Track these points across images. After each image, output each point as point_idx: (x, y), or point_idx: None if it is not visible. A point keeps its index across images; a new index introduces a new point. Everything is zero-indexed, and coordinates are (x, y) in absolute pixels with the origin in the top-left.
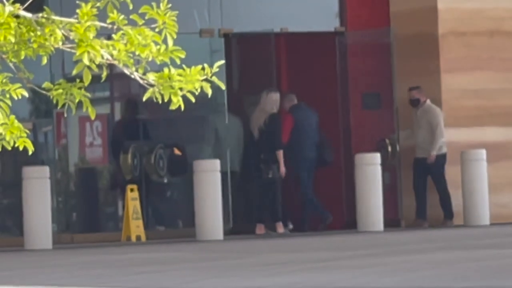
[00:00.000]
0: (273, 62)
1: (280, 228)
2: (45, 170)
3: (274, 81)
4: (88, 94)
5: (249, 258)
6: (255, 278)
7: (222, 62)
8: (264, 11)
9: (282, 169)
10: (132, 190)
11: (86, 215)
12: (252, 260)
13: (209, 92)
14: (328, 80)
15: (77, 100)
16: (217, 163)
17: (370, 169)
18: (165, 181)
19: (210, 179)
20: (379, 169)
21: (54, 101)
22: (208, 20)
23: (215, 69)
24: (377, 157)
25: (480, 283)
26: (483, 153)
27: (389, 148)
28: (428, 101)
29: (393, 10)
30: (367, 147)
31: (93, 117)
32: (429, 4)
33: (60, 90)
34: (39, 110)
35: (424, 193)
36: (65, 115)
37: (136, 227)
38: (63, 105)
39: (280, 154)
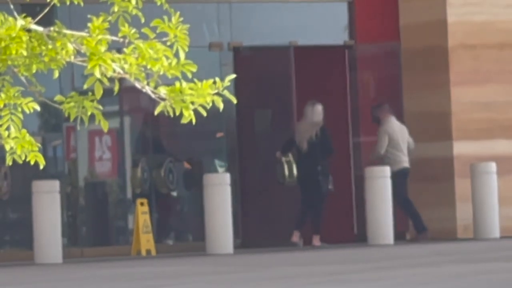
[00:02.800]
0: (286, 76)
1: (317, 242)
2: (55, 184)
3: (286, 94)
4: (100, 107)
5: (259, 271)
6: None
7: (233, 76)
8: (274, 24)
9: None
10: (142, 203)
11: (95, 229)
12: (263, 274)
13: (221, 106)
14: (338, 93)
15: (89, 113)
16: (227, 176)
17: (380, 182)
18: (175, 194)
19: (220, 192)
20: (389, 182)
21: (66, 114)
22: (218, 34)
23: (226, 83)
24: (387, 170)
25: None
26: (493, 166)
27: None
28: (391, 118)
29: (403, 23)
30: (374, 161)
31: (106, 130)
32: (439, 17)
33: (72, 103)
34: (49, 124)
35: (410, 206)
36: (78, 128)
37: (146, 241)
38: (75, 119)
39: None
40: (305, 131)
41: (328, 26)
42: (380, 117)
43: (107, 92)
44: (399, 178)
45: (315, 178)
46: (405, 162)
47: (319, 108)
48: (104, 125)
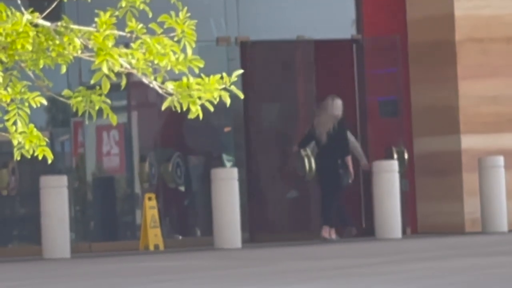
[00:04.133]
0: (293, 70)
1: (326, 233)
2: (63, 179)
3: (294, 88)
4: (108, 101)
5: (268, 266)
6: (275, 286)
7: (241, 71)
8: (281, 19)
9: (352, 174)
10: (150, 198)
11: (103, 224)
12: (271, 268)
13: (228, 101)
14: (346, 87)
15: (97, 107)
16: (234, 171)
17: (388, 176)
18: (183, 189)
19: (228, 187)
20: (396, 176)
21: (74, 109)
22: (225, 28)
23: (233, 78)
24: (394, 164)
25: None
26: (500, 159)
27: (395, 156)
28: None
29: (410, 17)
30: (382, 155)
31: (114, 123)
32: (446, 11)
33: (80, 98)
34: (56, 119)
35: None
36: (86, 122)
37: (154, 235)
38: (83, 113)
39: (350, 159)
40: (324, 124)
41: (335, 20)
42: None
43: (114, 87)
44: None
45: (335, 171)
46: None
47: (338, 102)
48: (113, 119)
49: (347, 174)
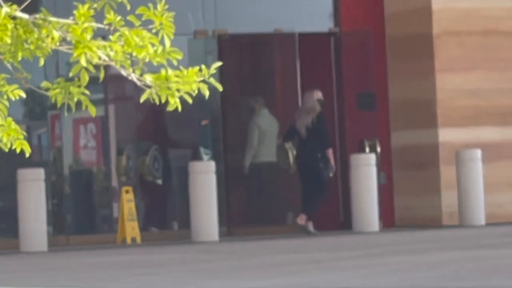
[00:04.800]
0: (271, 63)
1: (302, 220)
2: (40, 172)
3: (272, 81)
4: (87, 92)
5: (246, 259)
6: (253, 279)
7: (219, 63)
8: (259, 12)
9: (334, 167)
10: (127, 191)
11: (81, 217)
12: (249, 262)
13: (207, 93)
14: (323, 80)
15: (75, 99)
16: (212, 164)
17: (365, 169)
18: (160, 182)
19: (205, 180)
20: (374, 169)
21: (53, 101)
22: (203, 21)
23: (212, 70)
24: (372, 157)
25: (476, 283)
26: (478, 153)
27: (367, 150)
28: (264, 111)
29: (388, 10)
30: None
31: (93, 115)
32: (424, 4)
33: (58, 90)
34: (34, 112)
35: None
36: (66, 114)
37: (131, 229)
38: (61, 106)
39: (331, 152)
40: (301, 118)
41: (313, 13)
42: (255, 109)
43: (93, 80)
44: (259, 171)
45: (315, 166)
46: (268, 156)
47: (311, 94)
48: (92, 110)
49: (328, 167)
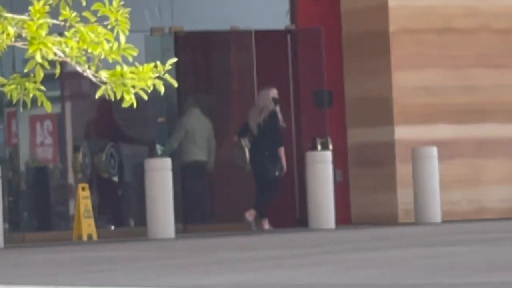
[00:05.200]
0: (227, 60)
1: (267, 225)
2: None
3: (228, 79)
4: (43, 88)
5: (201, 256)
6: (209, 276)
7: (175, 59)
8: (215, 9)
9: (285, 166)
10: (83, 188)
11: (37, 214)
12: (205, 258)
13: (162, 89)
14: (280, 78)
15: (31, 95)
16: (168, 161)
17: (321, 166)
18: (116, 179)
19: (161, 177)
20: (330, 167)
21: (8, 97)
22: (159, 19)
23: (167, 66)
24: (328, 155)
25: (432, 280)
26: (434, 150)
27: (319, 147)
28: (194, 111)
29: (344, 7)
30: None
31: (49, 111)
32: (380, 2)
33: (14, 86)
34: None
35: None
36: (21, 110)
37: (87, 225)
38: (17, 102)
39: (282, 151)
40: (254, 116)
41: (270, 11)
42: (184, 109)
43: (48, 77)
44: (190, 170)
45: (262, 164)
46: (199, 155)
47: (270, 93)
48: (47, 106)
49: (276, 166)
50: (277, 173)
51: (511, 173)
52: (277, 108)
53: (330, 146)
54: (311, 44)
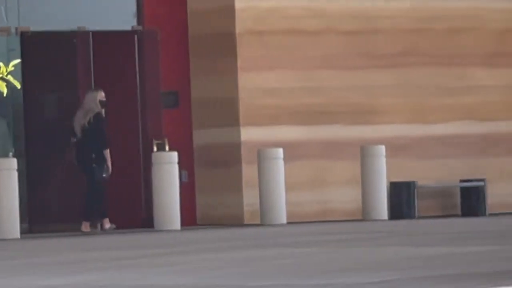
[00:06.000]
0: (74, 61)
1: (107, 224)
2: None
3: (74, 79)
4: None
5: (45, 257)
6: (51, 277)
7: (18, 61)
8: (63, 9)
9: (110, 168)
10: None
11: None
12: (49, 259)
13: (4, 90)
14: (127, 78)
15: None
16: (14, 161)
17: (167, 167)
18: None
19: (7, 177)
20: (176, 167)
21: None
22: (5, 18)
23: (10, 68)
24: (174, 155)
25: (277, 282)
26: (280, 151)
27: (155, 149)
28: None
29: (191, 8)
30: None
31: None
32: (227, 3)
33: None
34: None
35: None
36: None
37: None
38: None
39: (108, 153)
40: (78, 119)
41: (117, 11)
42: None
43: None
44: None
45: (89, 166)
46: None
47: (94, 95)
48: None
49: (102, 168)
50: (104, 175)
51: (356, 174)
52: (103, 111)
53: (167, 147)
54: (151, 45)
